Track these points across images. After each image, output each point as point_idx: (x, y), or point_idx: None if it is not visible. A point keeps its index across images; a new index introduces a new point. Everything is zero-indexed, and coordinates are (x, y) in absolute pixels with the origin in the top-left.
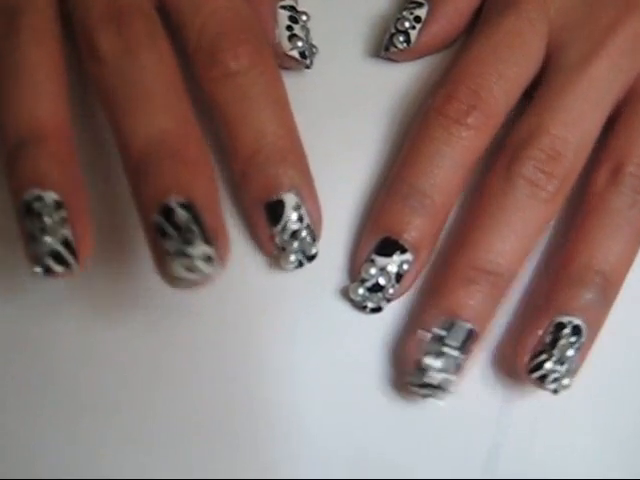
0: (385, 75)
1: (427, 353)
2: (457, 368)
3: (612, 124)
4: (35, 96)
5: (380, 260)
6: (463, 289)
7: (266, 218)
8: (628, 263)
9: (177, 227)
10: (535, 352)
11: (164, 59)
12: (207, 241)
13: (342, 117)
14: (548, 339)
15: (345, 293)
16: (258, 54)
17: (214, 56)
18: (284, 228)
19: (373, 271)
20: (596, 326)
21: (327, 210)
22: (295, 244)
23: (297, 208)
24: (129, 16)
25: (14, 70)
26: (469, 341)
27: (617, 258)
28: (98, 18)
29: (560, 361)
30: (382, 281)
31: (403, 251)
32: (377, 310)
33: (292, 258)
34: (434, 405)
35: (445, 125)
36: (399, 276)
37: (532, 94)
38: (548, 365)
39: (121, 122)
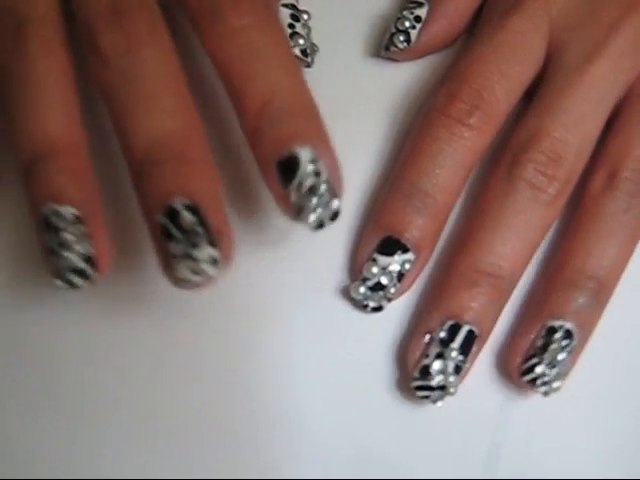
0: (385, 75)
1: (428, 356)
2: (458, 370)
3: (610, 125)
4: (47, 110)
5: (382, 259)
6: (465, 292)
7: (280, 175)
8: (622, 267)
9: (182, 229)
10: (527, 355)
11: (167, 57)
12: (212, 243)
13: (342, 117)
14: (540, 343)
15: (346, 292)
16: (261, 10)
17: (216, 14)
18: (300, 184)
19: (375, 270)
20: (588, 330)
21: None
22: (314, 200)
23: (313, 162)
24: (130, 12)
25: (24, 83)
26: (470, 344)
27: (611, 262)
28: (100, 15)
29: (551, 365)
30: (384, 280)
31: (405, 250)
32: (378, 309)
33: (312, 217)
34: (434, 405)
35: (447, 125)
36: (401, 275)
37: (532, 94)
38: (539, 369)
39: (124, 123)
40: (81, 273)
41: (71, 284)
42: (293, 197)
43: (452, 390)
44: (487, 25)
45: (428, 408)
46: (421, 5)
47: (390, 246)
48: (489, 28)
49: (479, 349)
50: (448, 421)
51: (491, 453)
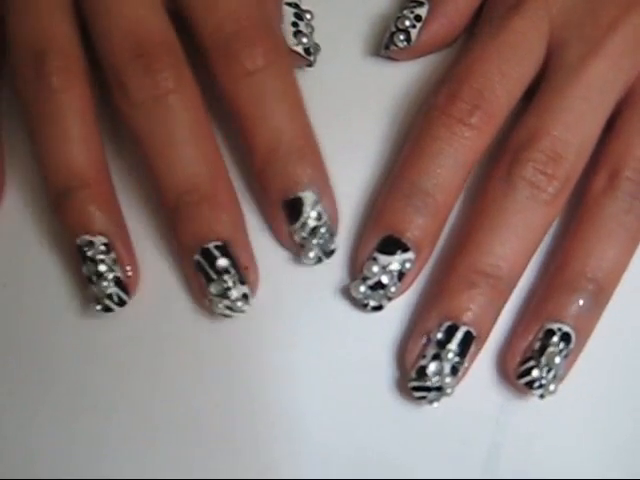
0: (386, 74)
1: (425, 356)
2: (454, 372)
3: (610, 124)
4: (71, 143)
5: (382, 258)
6: (464, 293)
7: (285, 215)
8: (622, 269)
9: (218, 271)
10: (523, 358)
11: (193, 102)
12: (243, 281)
13: (342, 116)
14: (537, 345)
15: (346, 291)
16: (273, 52)
17: (230, 56)
18: (303, 225)
19: (375, 269)
20: (586, 332)
21: None
22: (314, 241)
23: (316, 205)
24: (155, 56)
25: (47, 117)
26: (468, 345)
27: (611, 264)
28: (123, 56)
29: (547, 368)
30: (384, 279)
31: (405, 250)
32: (378, 308)
33: (312, 254)
34: (430, 406)
35: (448, 125)
36: (401, 274)
37: (532, 94)
38: (535, 372)
39: (155, 166)
40: (116, 298)
41: (108, 309)
42: (296, 236)
43: (449, 391)
44: (487, 25)
45: (428, 408)
46: (421, 4)
47: (390, 245)
48: (490, 28)
49: (478, 350)
50: (448, 421)
51: (491, 453)
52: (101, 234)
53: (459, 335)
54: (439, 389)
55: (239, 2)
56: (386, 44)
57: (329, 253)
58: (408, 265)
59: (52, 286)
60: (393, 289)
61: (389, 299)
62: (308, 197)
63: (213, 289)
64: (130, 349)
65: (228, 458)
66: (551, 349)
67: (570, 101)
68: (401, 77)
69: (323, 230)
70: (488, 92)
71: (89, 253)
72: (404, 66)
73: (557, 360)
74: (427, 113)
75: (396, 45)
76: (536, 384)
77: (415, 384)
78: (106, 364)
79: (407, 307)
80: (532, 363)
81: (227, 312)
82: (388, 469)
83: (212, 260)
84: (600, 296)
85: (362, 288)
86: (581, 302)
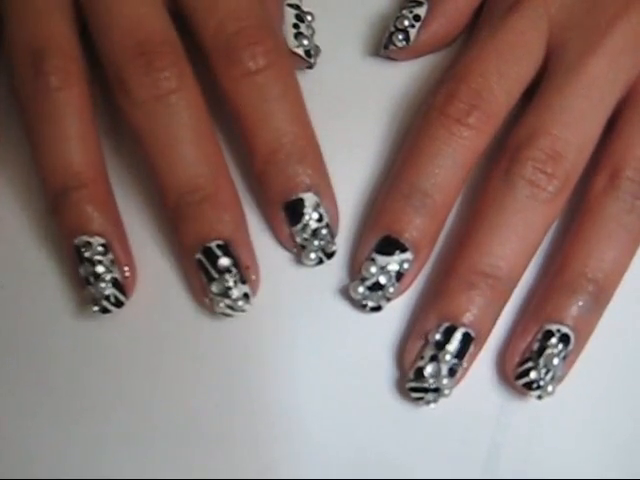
0: (385, 74)
1: (423, 357)
2: (452, 373)
3: (611, 124)
4: (68, 143)
5: (381, 259)
6: (463, 294)
7: (286, 217)
8: (622, 270)
9: (219, 270)
10: (522, 359)
11: (194, 102)
12: (244, 281)
13: (342, 116)
14: (535, 347)
15: (345, 292)
16: (274, 53)
17: (231, 56)
18: (304, 227)
19: (373, 270)
20: (586, 334)
21: None
22: (315, 242)
23: (317, 207)
24: (157, 54)
25: (45, 117)
26: (467, 346)
27: (611, 265)
28: (125, 55)
29: (545, 370)
30: (382, 280)
31: (403, 250)
32: (377, 309)
33: (312, 256)
34: (427, 407)
35: (446, 125)
36: (399, 275)
37: (532, 93)
38: (533, 374)
39: (157, 165)
40: (113, 299)
41: (105, 310)
42: (297, 238)
43: (446, 392)
44: (487, 24)
45: (428, 408)
46: (420, 4)
47: (389, 246)
48: (489, 27)
49: (477, 351)
50: (448, 421)
51: (491, 453)
52: (99, 235)
53: (458, 336)
54: (436, 390)
55: (240, 2)
56: (385, 44)
57: (330, 254)
58: (406, 266)
59: (50, 287)
60: (391, 290)
61: (388, 300)
62: (309, 199)
63: (214, 288)
64: (130, 349)
65: (228, 458)
66: (549, 350)
67: (570, 100)
68: (400, 77)
69: (324, 232)
70: (486, 92)
71: (86, 254)
72: (403, 66)
73: (555, 361)
74: (425, 113)
75: (395, 45)
76: (534, 385)
77: (413, 385)
78: (106, 364)
79: (407, 308)
80: (530, 364)
81: (228, 311)
82: (388, 469)
83: (214, 259)
84: (600, 297)
85: (360, 289)
86: (581, 303)
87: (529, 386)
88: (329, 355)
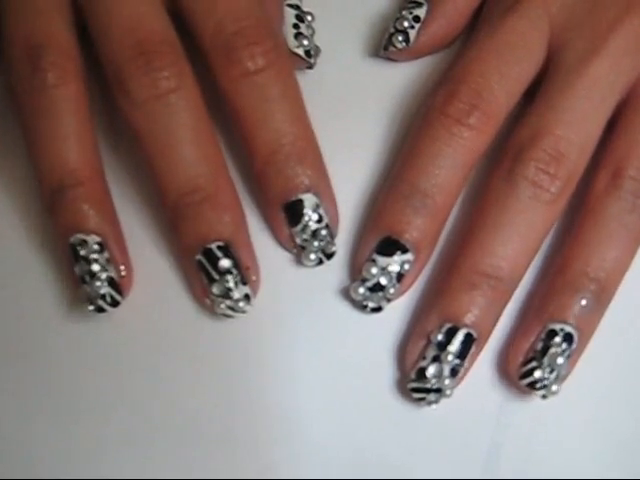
0: (385, 74)
1: (425, 358)
2: (454, 374)
3: (612, 126)
4: (65, 141)
5: (381, 260)
6: (464, 294)
7: (285, 218)
8: (624, 269)
9: (220, 272)
10: (526, 358)
11: (193, 101)
12: (245, 282)
13: (342, 116)
14: (539, 346)
15: (345, 293)
16: (274, 53)
17: (230, 56)
18: (304, 228)
19: (374, 271)
20: (588, 333)
21: None
22: (315, 243)
23: (316, 208)
24: (157, 54)
25: (41, 114)
26: (469, 347)
27: (613, 264)
28: (124, 55)
29: (549, 369)
30: (383, 281)
31: (404, 251)
32: (377, 310)
33: (312, 256)
34: (429, 407)
35: (447, 125)
36: (400, 276)
37: (532, 93)
38: (537, 373)
39: (156, 165)
40: (109, 298)
41: (101, 309)
42: (297, 239)
43: (448, 392)
44: (487, 25)
45: (428, 408)
46: (420, 5)
47: (389, 246)
48: (488, 28)
49: (479, 351)
50: (448, 421)
51: (491, 453)
52: (94, 233)
53: (459, 337)
54: (438, 391)
55: (239, 2)
56: (385, 45)
57: (330, 255)
58: (407, 267)
59: (51, 287)
60: (392, 290)
61: (388, 300)
62: (309, 199)
63: (215, 289)
64: (130, 349)
65: (228, 458)
66: (554, 350)
67: (572, 101)
68: (400, 77)
69: (324, 232)
70: (487, 92)
71: (82, 252)
72: (403, 66)
73: (560, 361)
74: (426, 114)
75: (395, 46)
76: (538, 385)
77: (414, 385)
78: (106, 364)
79: (406, 308)
80: (534, 364)
81: (229, 312)
82: (388, 469)
83: (214, 260)
84: (602, 296)
85: (361, 290)
86: (583, 302)
87: (533, 385)
88: (329, 355)
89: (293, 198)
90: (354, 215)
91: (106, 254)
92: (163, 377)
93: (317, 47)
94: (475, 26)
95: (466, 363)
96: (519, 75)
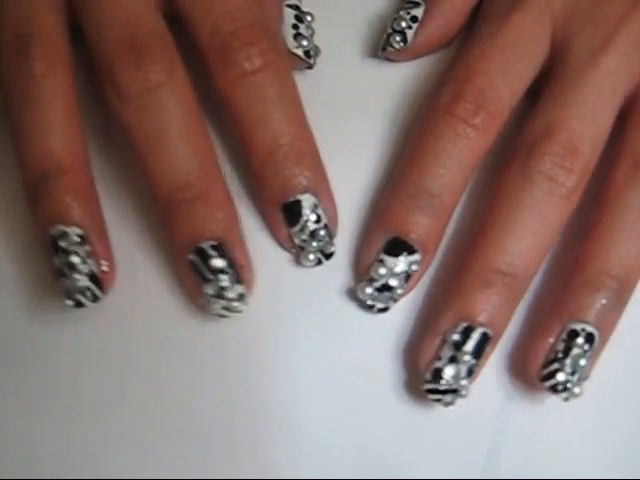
0: (385, 74)
1: (441, 358)
2: (470, 373)
3: (621, 119)
4: (50, 130)
5: (390, 260)
6: (479, 293)
7: (284, 218)
8: None
9: (213, 271)
10: (547, 360)
11: (184, 97)
12: (240, 281)
13: (342, 116)
14: (560, 347)
15: (352, 293)
16: (271, 53)
17: (227, 56)
18: (302, 228)
19: (383, 271)
20: (608, 331)
21: None
22: (314, 243)
23: (314, 208)
24: (148, 49)
25: (28, 103)
26: (484, 346)
27: (634, 260)
28: (117, 49)
29: (572, 370)
30: (392, 282)
31: (411, 251)
32: (384, 310)
33: (311, 257)
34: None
35: (452, 124)
36: (407, 276)
37: (532, 91)
38: (561, 376)
39: (147, 161)
40: (88, 293)
41: (80, 304)
42: (295, 239)
43: (464, 393)
44: (488, 22)
45: (428, 408)
46: (417, 5)
47: (396, 247)
48: (491, 25)
49: (492, 350)
50: (449, 421)
51: (492, 453)
52: (76, 225)
53: (475, 336)
54: (454, 391)
55: (236, 3)
56: (383, 45)
57: (328, 255)
58: (415, 267)
59: (51, 287)
60: (400, 291)
61: (395, 301)
62: (307, 200)
63: (209, 290)
64: (129, 350)
65: (228, 458)
66: (576, 350)
67: (584, 95)
68: (400, 77)
69: (322, 233)
70: (491, 91)
71: (62, 244)
72: (403, 66)
73: (582, 362)
74: (430, 113)
75: (392, 46)
76: (560, 387)
77: (430, 386)
78: (106, 364)
79: (406, 308)
80: (556, 366)
81: (223, 312)
82: (388, 469)
83: (207, 260)
84: (623, 294)
85: (369, 290)
86: (604, 301)
87: (555, 388)
88: (328, 355)
89: (291, 198)
90: (353, 215)
91: (87, 247)
92: (163, 377)
93: (316, 47)
94: (474, 24)
95: (481, 362)
96: (522, 73)
